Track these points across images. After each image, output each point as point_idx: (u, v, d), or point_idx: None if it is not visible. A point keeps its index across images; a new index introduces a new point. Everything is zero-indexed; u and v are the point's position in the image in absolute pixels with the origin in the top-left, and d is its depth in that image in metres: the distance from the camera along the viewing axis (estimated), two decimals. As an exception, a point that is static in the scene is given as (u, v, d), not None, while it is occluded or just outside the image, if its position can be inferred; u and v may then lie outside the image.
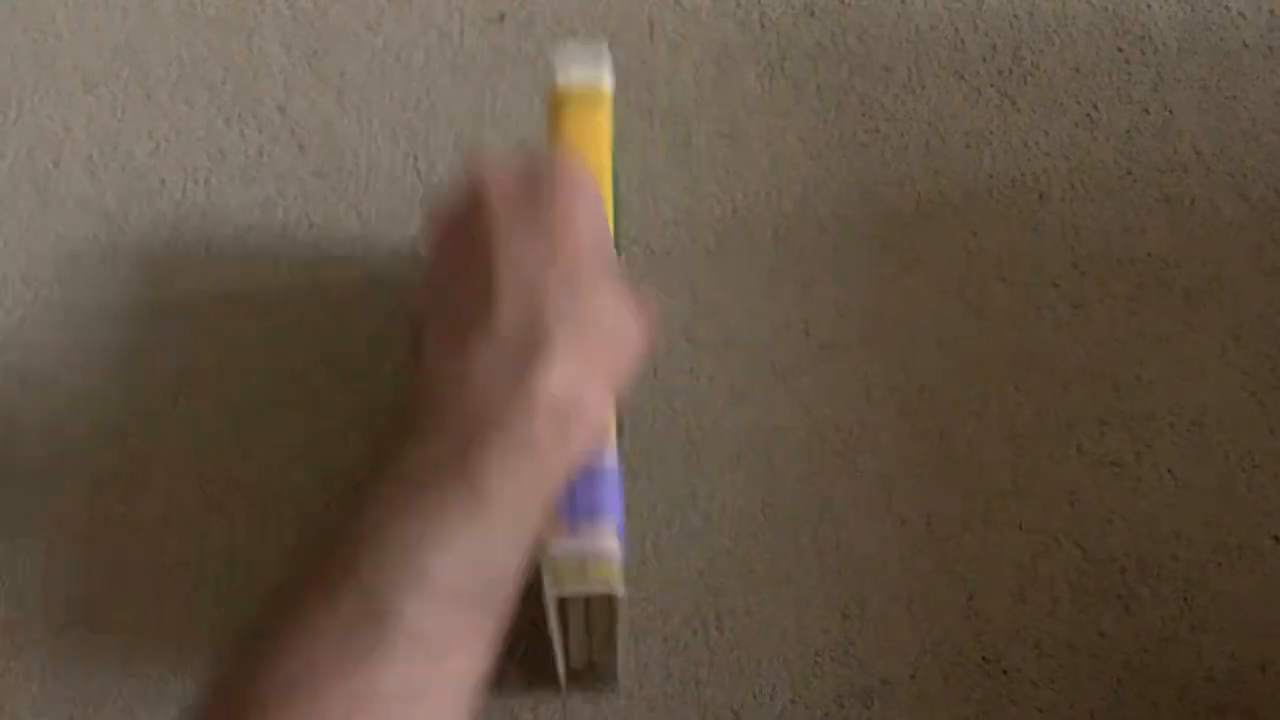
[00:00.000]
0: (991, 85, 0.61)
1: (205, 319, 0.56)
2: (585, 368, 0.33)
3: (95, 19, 0.62)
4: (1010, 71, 0.62)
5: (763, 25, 0.63)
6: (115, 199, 0.58)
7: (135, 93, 0.61)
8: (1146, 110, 0.60)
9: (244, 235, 0.57)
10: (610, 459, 0.38)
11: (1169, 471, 0.54)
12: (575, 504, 0.37)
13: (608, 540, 0.37)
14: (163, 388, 0.55)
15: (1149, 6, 0.63)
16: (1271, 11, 0.63)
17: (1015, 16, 0.63)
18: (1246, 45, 0.61)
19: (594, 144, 0.43)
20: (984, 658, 0.51)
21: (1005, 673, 0.51)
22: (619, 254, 0.39)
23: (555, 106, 0.44)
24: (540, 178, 0.36)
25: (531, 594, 0.36)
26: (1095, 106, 0.61)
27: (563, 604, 0.39)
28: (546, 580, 0.37)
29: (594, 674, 0.47)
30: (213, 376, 0.55)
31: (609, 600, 0.38)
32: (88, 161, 0.59)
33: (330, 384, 0.55)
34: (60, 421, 0.54)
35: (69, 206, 0.58)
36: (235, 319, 0.56)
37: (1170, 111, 0.60)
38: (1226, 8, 0.63)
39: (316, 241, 0.57)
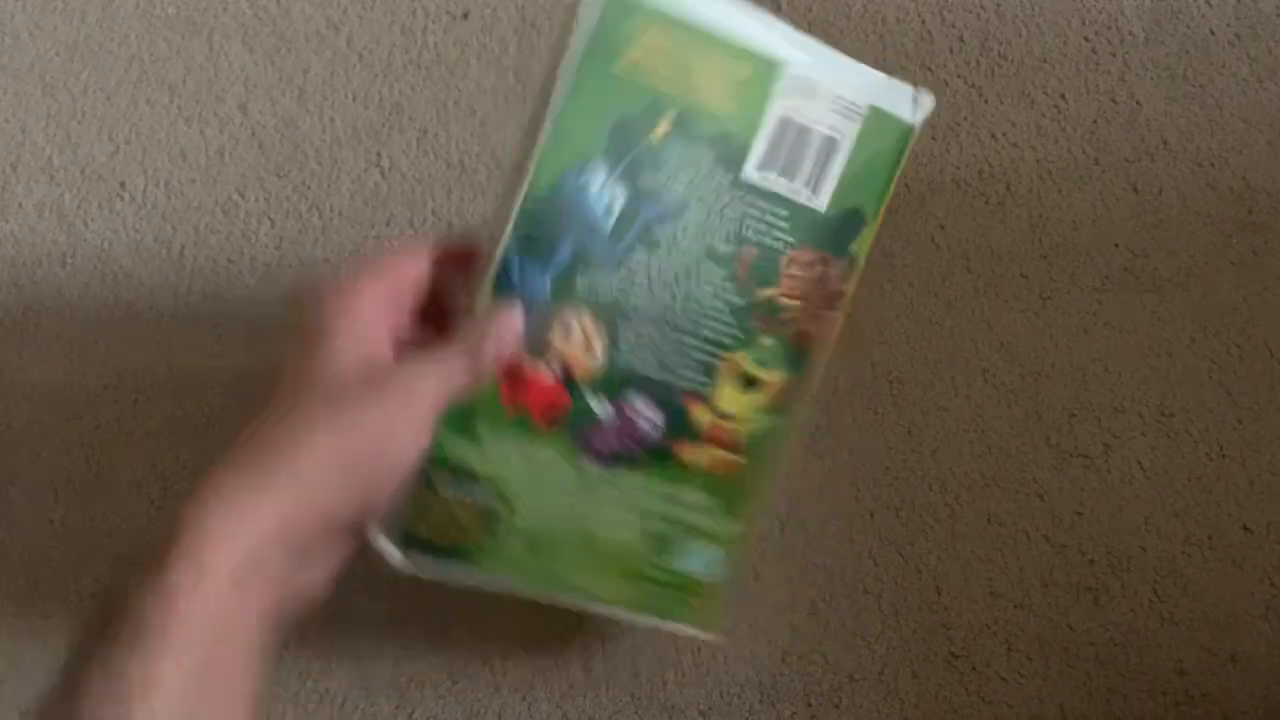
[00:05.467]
0: (959, 76, 0.61)
1: (164, 322, 0.55)
2: None
3: (54, 20, 0.62)
4: (978, 63, 0.61)
5: (728, 19, 0.62)
6: (75, 202, 0.58)
7: (95, 94, 0.60)
8: (1114, 99, 0.60)
9: (205, 236, 0.57)
10: None
11: (1138, 463, 0.53)
12: None
13: None
14: (120, 391, 0.54)
15: (1116, -4, 0.62)
16: (1239, -1, 0.62)
17: (983, 8, 0.63)
18: (1213, 33, 0.61)
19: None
20: (952, 653, 0.51)
21: (974, 668, 0.51)
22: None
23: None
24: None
25: None
26: (1063, 97, 0.60)
27: None
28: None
29: None
30: (171, 380, 0.54)
31: None
32: (47, 165, 0.58)
33: (293, 386, 0.54)
34: (16, 426, 0.53)
35: (27, 210, 0.57)
36: (195, 321, 0.55)
37: (1138, 101, 0.60)
38: (1194, -4, 0.62)
39: (278, 241, 0.57)
